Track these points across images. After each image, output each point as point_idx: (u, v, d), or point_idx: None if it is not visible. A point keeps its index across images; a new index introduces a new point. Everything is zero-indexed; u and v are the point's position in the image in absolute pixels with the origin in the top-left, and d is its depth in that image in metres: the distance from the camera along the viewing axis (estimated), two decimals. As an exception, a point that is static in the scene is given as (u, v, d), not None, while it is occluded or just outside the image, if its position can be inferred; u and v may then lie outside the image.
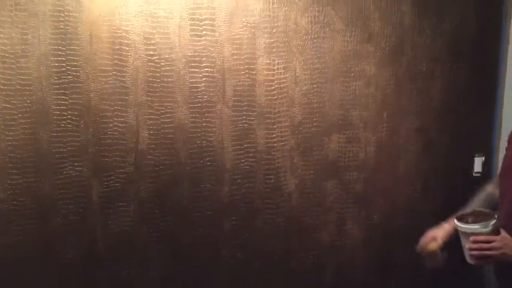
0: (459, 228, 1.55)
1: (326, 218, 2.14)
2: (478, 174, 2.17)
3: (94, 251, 1.93)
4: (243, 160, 2.02)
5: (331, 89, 2.05)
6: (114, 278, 1.97)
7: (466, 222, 1.55)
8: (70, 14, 1.78)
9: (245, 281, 2.10)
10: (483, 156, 2.13)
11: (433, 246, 1.75)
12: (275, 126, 2.03)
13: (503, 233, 1.52)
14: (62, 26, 1.78)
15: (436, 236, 1.80)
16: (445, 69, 2.14)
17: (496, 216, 1.54)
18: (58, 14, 1.77)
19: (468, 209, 1.63)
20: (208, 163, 1.99)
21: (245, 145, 2.01)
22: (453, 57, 2.13)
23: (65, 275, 1.93)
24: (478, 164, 2.19)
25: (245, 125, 2.00)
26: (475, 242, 1.50)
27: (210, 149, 1.98)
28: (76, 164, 1.87)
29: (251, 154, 2.02)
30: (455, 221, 1.57)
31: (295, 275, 2.14)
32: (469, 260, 1.56)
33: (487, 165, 2.22)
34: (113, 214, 1.93)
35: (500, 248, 1.48)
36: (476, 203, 1.84)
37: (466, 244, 1.53)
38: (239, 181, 2.03)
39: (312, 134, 2.06)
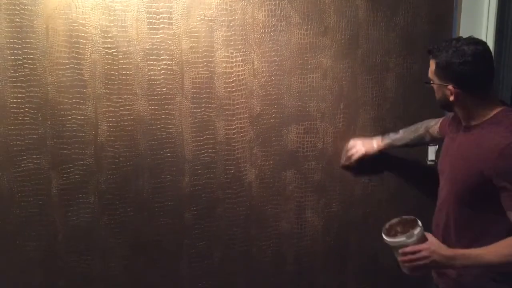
0: (387, 242, 1.57)
1: (286, 207, 2.19)
2: (432, 162, 2.24)
3: (54, 243, 1.95)
4: (203, 151, 2.05)
5: (289, 81, 2.10)
6: (74, 270, 1.99)
7: (395, 234, 1.56)
8: (26, 7, 1.78)
9: (207, 271, 2.14)
10: (436, 144, 2.20)
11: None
12: (234, 118, 2.07)
13: (430, 238, 1.53)
14: (17, 20, 1.78)
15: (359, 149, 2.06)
16: (399, 61, 2.20)
17: (419, 223, 1.55)
18: (13, 7, 1.77)
19: (393, 219, 1.63)
20: (168, 155, 2.02)
21: (204, 137, 2.05)
22: (406, 49, 2.20)
23: (25, 268, 1.94)
24: (431, 152, 2.26)
25: (205, 117, 2.03)
26: (403, 254, 1.52)
27: (170, 140, 2.01)
28: (34, 157, 1.88)
29: (211, 145, 2.06)
30: (383, 235, 1.58)
31: (256, 263, 2.19)
32: (404, 271, 1.57)
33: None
34: (73, 206, 1.95)
35: (428, 256, 1.48)
36: (406, 133, 2.07)
37: (398, 257, 1.56)
38: (199, 171, 2.06)
39: (271, 125, 2.11)
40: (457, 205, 1.64)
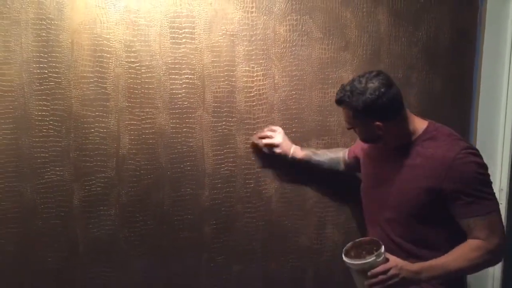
0: (354, 266, 1.52)
1: (306, 222, 2.18)
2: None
3: (75, 254, 1.96)
4: (223, 165, 2.06)
5: (310, 95, 2.10)
6: (94, 281, 1.99)
7: (353, 257, 1.53)
8: (52, 22, 1.82)
9: (225, 285, 2.13)
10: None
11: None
12: (254, 132, 2.07)
13: (391, 256, 1.52)
14: (44, 34, 1.82)
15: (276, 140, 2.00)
16: (421, 76, 2.19)
17: (380, 241, 1.53)
18: (40, 22, 1.81)
19: (347, 245, 1.60)
20: (188, 168, 2.03)
21: (225, 150, 2.05)
22: (428, 64, 2.18)
23: (46, 279, 1.95)
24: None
25: (225, 130, 2.04)
26: (373, 276, 1.48)
27: (190, 154, 2.02)
28: (57, 168, 1.91)
29: (231, 159, 2.06)
30: (347, 259, 1.53)
31: (275, 278, 2.17)
32: None
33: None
34: (94, 218, 1.96)
35: (398, 274, 1.47)
36: (322, 157, 2.04)
37: (364, 281, 1.50)
38: (219, 185, 2.07)
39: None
40: (407, 224, 1.65)
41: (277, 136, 2.02)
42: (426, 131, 1.63)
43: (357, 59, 2.12)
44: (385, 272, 1.47)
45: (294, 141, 2.07)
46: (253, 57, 2.02)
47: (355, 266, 1.51)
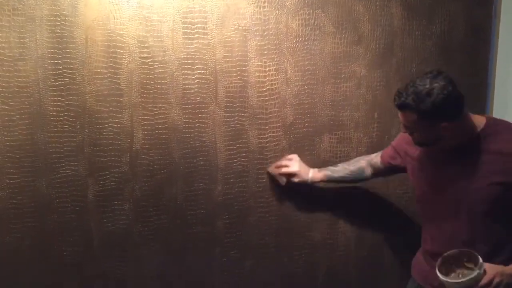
0: (460, 285, 1.46)
1: (319, 217, 2.18)
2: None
3: (90, 248, 1.99)
4: (235, 160, 2.06)
5: (322, 90, 2.09)
6: (108, 275, 2.02)
7: (448, 273, 1.49)
8: (66, 18, 1.84)
9: (238, 279, 2.14)
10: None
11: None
12: (267, 127, 2.07)
13: (487, 265, 1.48)
14: (58, 30, 1.84)
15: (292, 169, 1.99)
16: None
17: (475, 252, 1.49)
18: (54, 18, 1.83)
19: (437, 262, 1.54)
20: (201, 163, 2.03)
21: (237, 145, 2.05)
22: (442, 58, 2.16)
23: (62, 272, 1.98)
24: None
25: (238, 125, 2.04)
26: None
27: (203, 149, 2.03)
28: (72, 163, 1.93)
29: (244, 154, 2.07)
30: (445, 278, 1.48)
31: (288, 273, 2.18)
32: None
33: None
34: (109, 212, 1.98)
35: (501, 281, 1.45)
36: (345, 173, 2.01)
37: None
38: (232, 180, 2.07)
39: (304, 134, 2.10)
40: (480, 224, 1.60)
41: (293, 165, 2.01)
42: (486, 126, 1.57)
43: (370, 53, 2.10)
44: (490, 283, 1.45)
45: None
46: (266, 52, 2.02)
47: (461, 285, 1.46)
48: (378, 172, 2.00)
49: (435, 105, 1.46)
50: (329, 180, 2.03)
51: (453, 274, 1.50)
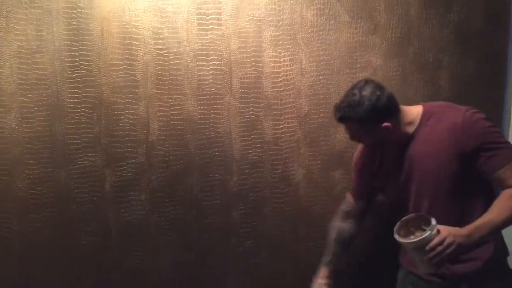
0: (408, 245, 1.51)
1: (334, 207, 2.16)
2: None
3: (107, 238, 2.02)
4: (250, 151, 2.07)
5: (337, 80, 2.08)
6: (126, 264, 2.05)
7: (403, 236, 1.53)
8: (82, 10, 1.86)
9: (254, 269, 2.15)
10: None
11: None
12: (282, 117, 2.07)
13: (440, 226, 1.50)
14: (74, 23, 1.86)
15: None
16: (453, 59, 2.13)
17: (427, 215, 1.54)
18: (70, 11, 1.85)
19: (396, 226, 1.58)
20: (216, 154, 2.05)
21: (252, 136, 2.06)
22: (460, 47, 2.12)
23: (80, 261, 2.02)
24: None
25: (252, 116, 2.04)
26: (432, 249, 1.47)
27: (218, 140, 2.04)
28: (90, 155, 1.96)
29: (259, 145, 2.07)
30: (400, 239, 1.53)
31: (304, 263, 2.18)
32: (428, 270, 1.53)
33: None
34: (125, 203, 2.01)
35: (453, 241, 1.47)
36: (331, 246, 1.92)
37: (424, 256, 1.49)
38: (247, 171, 2.08)
39: (319, 125, 2.09)
40: (445, 203, 1.64)
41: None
42: (425, 112, 1.67)
43: (386, 42, 2.08)
44: (441, 242, 1.47)
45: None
46: (280, 42, 2.01)
47: (413, 245, 1.50)
48: (358, 214, 1.95)
49: (367, 111, 1.57)
50: (336, 267, 1.94)
51: (412, 237, 1.52)
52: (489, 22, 2.13)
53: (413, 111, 1.68)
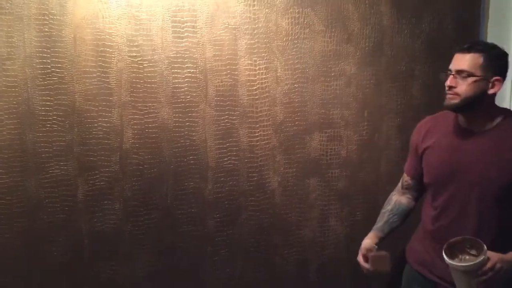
0: (466, 268, 1.51)
1: (309, 215, 2.18)
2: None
3: (79, 248, 1.98)
4: (226, 159, 2.06)
5: (312, 88, 2.10)
6: (99, 275, 2.01)
7: (454, 255, 1.54)
8: (54, 17, 1.83)
9: (229, 278, 2.14)
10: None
11: (381, 264, 1.74)
12: (257, 125, 2.07)
13: (490, 253, 1.52)
14: (46, 29, 1.83)
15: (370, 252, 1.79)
16: (425, 68, 2.18)
17: (479, 240, 1.54)
18: (42, 17, 1.82)
19: (446, 244, 1.56)
20: (191, 162, 2.03)
21: (228, 144, 2.05)
22: (432, 57, 2.17)
23: (51, 272, 1.97)
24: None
25: (228, 124, 2.04)
26: (484, 273, 1.50)
27: (193, 148, 2.03)
28: (61, 163, 1.92)
29: (234, 153, 2.07)
30: (452, 262, 1.52)
31: (279, 272, 2.18)
32: None
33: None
34: (99, 212, 1.98)
35: (502, 267, 1.51)
36: (386, 217, 1.86)
37: (472, 279, 1.51)
38: (222, 179, 2.07)
39: (294, 132, 2.11)
40: (492, 204, 1.63)
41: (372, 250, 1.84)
42: (506, 116, 1.65)
43: (360, 51, 2.11)
44: (493, 267, 1.50)
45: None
46: (255, 51, 2.02)
47: (466, 268, 1.51)
48: (414, 191, 1.89)
49: (500, 55, 1.61)
50: (384, 237, 1.86)
51: (456, 259, 1.54)
52: (459, 33, 2.19)
53: (498, 109, 1.68)
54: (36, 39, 1.82)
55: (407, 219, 1.87)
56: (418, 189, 1.87)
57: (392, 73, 2.15)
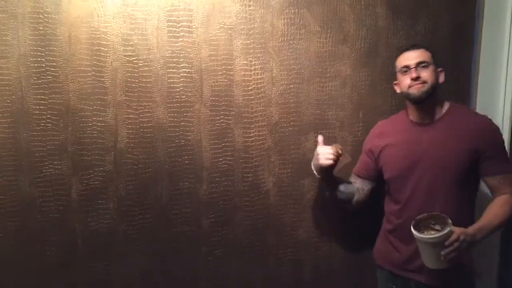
0: (432, 240, 1.62)
1: (304, 215, 2.18)
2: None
3: (74, 248, 1.97)
4: (221, 159, 2.06)
5: (307, 89, 2.10)
6: (92, 275, 2.00)
7: (420, 231, 1.66)
8: (49, 16, 1.82)
9: (223, 278, 2.14)
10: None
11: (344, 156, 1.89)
12: (252, 126, 2.07)
13: (453, 227, 1.63)
14: (41, 28, 1.82)
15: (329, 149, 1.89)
16: (419, 69, 2.18)
17: (443, 215, 1.67)
18: (37, 16, 1.81)
19: (416, 220, 1.69)
20: (186, 162, 2.03)
21: (223, 144, 2.05)
22: (426, 58, 2.17)
23: (45, 272, 1.96)
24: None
25: (223, 124, 2.04)
26: (450, 244, 1.60)
27: (188, 147, 2.02)
28: (55, 162, 1.91)
29: (229, 153, 2.06)
30: (423, 235, 1.64)
31: (273, 272, 2.18)
32: (440, 266, 1.64)
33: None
34: (93, 211, 1.97)
35: (465, 239, 1.60)
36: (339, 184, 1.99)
37: (440, 251, 1.61)
38: (217, 179, 2.07)
39: (289, 133, 2.10)
40: (453, 187, 1.77)
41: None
42: (452, 105, 1.85)
43: (355, 52, 2.11)
44: (458, 239, 1.59)
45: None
46: (251, 51, 2.02)
47: (434, 239, 1.61)
48: (361, 194, 2.04)
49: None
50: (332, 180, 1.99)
51: (432, 233, 1.65)
52: (454, 34, 2.19)
53: (443, 99, 1.87)
54: (30, 37, 1.82)
55: (346, 197, 2.01)
56: (362, 189, 2.04)
57: (387, 74, 2.15)
